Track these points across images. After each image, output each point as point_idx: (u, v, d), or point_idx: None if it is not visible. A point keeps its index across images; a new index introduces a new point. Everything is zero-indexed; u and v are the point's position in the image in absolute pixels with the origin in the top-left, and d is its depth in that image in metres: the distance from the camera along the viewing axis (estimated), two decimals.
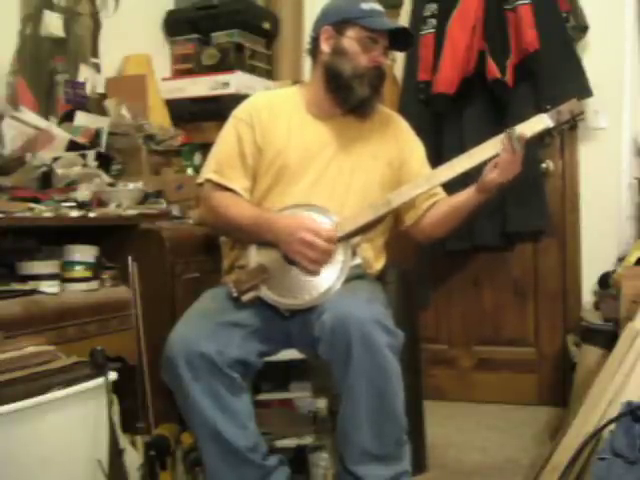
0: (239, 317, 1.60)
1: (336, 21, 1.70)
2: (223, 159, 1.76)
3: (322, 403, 1.73)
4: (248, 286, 1.58)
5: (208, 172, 1.77)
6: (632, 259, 2.31)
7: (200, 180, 1.81)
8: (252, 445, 1.53)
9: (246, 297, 1.59)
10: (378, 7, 1.71)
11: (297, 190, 1.69)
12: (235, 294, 1.58)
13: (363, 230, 1.65)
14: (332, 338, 1.47)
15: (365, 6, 1.68)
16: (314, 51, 1.77)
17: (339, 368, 1.48)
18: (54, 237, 1.96)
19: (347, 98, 1.71)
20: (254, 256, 1.63)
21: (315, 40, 1.75)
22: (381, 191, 1.74)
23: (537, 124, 1.56)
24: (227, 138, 1.77)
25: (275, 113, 1.75)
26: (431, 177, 1.67)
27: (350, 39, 1.68)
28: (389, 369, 1.48)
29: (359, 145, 1.76)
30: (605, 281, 2.55)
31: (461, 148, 2.74)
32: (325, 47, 1.72)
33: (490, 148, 1.61)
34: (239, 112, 1.79)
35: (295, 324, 1.64)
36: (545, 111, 1.56)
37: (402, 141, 1.83)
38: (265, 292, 1.59)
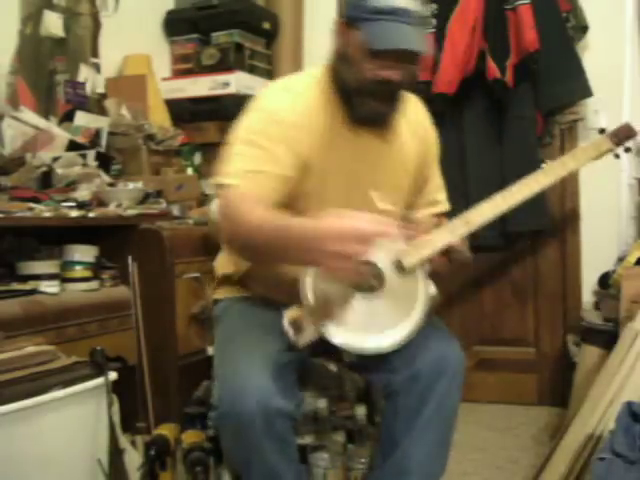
0: (291, 353, 1.37)
1: (347, 16, 1.37)
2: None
3: (322, 403, 1.73)
4: (311, 330, 1.27)
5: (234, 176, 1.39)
6: (632, 259, 2.31)
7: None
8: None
9: (304, 341, 1.28)
10: (397, 5, 1.30)
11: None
12: (293, 341, 1.27)
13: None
14: (422, 372, 1.40)
15: (378, 1, 1.30)
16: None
17: (411, 400, 1.42)
18: (54, 237, 1.96)
19: (351, 114, 1.44)
20: (311, 287, 1.26)
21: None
22: (409, 202, 1.58)
23: (601, 145, 1.51)
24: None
25: (312, 118, 1.45)
26: (507, 196, 1.45)
27: (355, 44, 1.35)
28: (455, 415, 1.46)
29: (388, 159, 1.52)
30: (605, 281, 2.55)
31: (461, 148, 2.76)
32: (335, 44, 1.42)
33: (584, 157, 1.51)
34: (273, 107, 1.44)
35: None
36: (600, 132, 1.56)
37: (426, 144, 1.60)
38: (334, 334, 1.28)
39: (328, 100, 1.45)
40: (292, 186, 1.41)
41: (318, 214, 1.22)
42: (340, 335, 1.28)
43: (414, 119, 1.57)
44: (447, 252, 1.38)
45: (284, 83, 1.53)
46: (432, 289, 1.39)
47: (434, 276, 1.39)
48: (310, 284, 1.26)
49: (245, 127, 1.42)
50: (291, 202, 1.41)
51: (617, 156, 1.57)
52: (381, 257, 1.31)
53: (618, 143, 1.53)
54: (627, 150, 1.57)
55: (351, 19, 1.36)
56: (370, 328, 1.31)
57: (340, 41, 1.40)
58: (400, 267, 1.32)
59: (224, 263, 1.62)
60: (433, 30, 2.68)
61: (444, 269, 1.39)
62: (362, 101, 1.39)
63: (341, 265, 1.15)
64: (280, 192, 1.38)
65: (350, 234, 1.14)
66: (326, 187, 1.44)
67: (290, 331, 1.26)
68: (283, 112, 1.41)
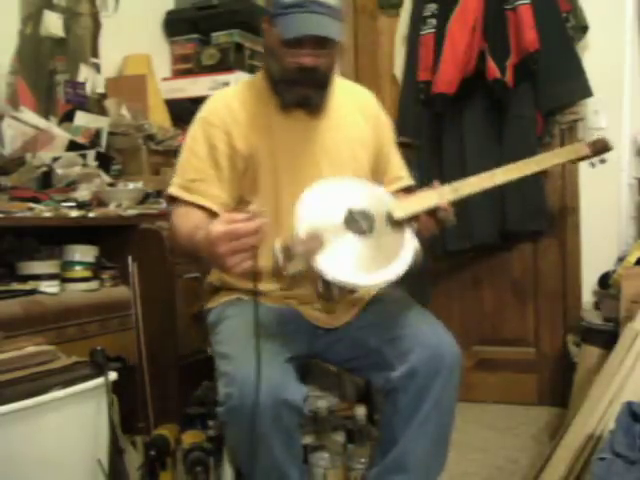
0: (292, 347, 1.44)
1: (268, 14, 1.51)
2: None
3: (323, 403, 1.73)
4: (300, 260, 1.27)
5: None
6: (632, 259, 2.31)
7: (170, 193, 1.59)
8: None
9: (293, 270, 1.28)
10: None
11: (284, 197, 1.54)
12: (281, 267, 1.27)
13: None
14: (418, 368, 1.42)
15: None
16: None
17: (409, 397, 1.44)
18: (54, 237, 1.96)
19: (282, 102, 1.56)
20: (305, 222, 1.31)
21: None
22: (375, 181, 1.63)
23: (580, 151, 1.60)
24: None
25: (249, 112, 1.58)
26: (494, 176, 1.54)
27: (274, 38, 1.49)
28: (453, 412, 1.48)
29: (333, 134, 1.61)
30: (605, 281, 2.55)
31: (461, 148, 2.76)
32: (264, 40, 1.56)
33: (562, 156, 1.60)
34: (208, 114, 1.59)
35: (338, 341, 1.58)
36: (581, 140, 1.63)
37: (379, 126, 1.70)
38: (321, 266, 1.27)
39: (261, 94, 1.59)
40: (245, 178, 1.56)
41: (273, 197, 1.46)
42: (327, 268, 1.28)
43: (365, 105, 1.70)
44: (434, 214, 1.45)
45: (221, 91, 1.72)
46: (417, 245, 1.43)
47: (420, 235, 1.45)
48: (302, 216, 1.31)
49: (187, 137, 1.60)
50: (250, 190, 1.56)
51: (592, 165, 1.63)
52: (374, 206, 1.40)
53: (595, 153, 1.62)
54: (602, 161, 1.64)
55: (270, 16, 1.50)
56: (357, 267, 1.32)
57: (265, 38, 1.55)
58: (390, 218, 1.40)
59: (214, 273, 1.68)
60: (433, 30, 2.68)
61: (430, 229, 1.47)
62: (288, 89, 1.52)
63: (238, 260, 1.20)
64: (227, 191, 1.55)
65: (229, 233, 1.19)
66: (277, 169, 1.55)
67: (280, 257, 1.26)
68: (214, 117, 1.57)
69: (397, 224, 1.40)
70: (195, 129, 1.59)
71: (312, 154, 1.58)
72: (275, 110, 1.57)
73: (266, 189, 1.55)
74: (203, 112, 1.61)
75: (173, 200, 1.58)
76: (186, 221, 1.51)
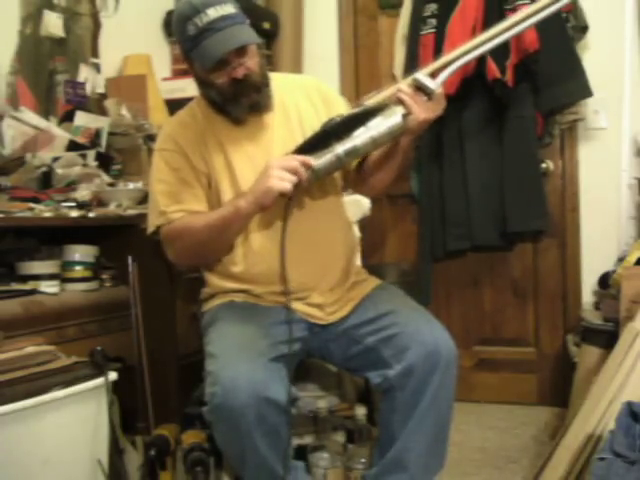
0: (281, 347, 1.46)
1: (182, 51, 1.55)
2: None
3: (322, 403, 1.73)
4: None
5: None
6: (632, 259, 2.30)
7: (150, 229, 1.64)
8: None
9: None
10: (206, 20, 1.44)
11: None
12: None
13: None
14: (415, 365, 1.44)
15: (191, 30, 1.45)
16: None
17: (407, 394, 1.46)
18: (54, 237, 1.96)
19: (232, 118, 1.60)
20: None
21: None
22: None
23: None
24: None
25: (198, 134, 1.63)
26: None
27: (198, 70, 1.55)
28: (451, 407, 1.50)
29: (287, 127, 1.64)
30: (605, 281, 2.55)
31: (461, 148, 2.76)
32: (192, 73, 1.60)
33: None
34: (163, 144, 1.64)
35: (334, 339, 1.60)
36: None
37: (328, 100, 1.71)
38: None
39: (206, 116, 1.63)
40: (211, 193, 1.60)
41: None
42: None
43: (308, 90, 1.70)
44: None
45: (168, 121, 1.75)
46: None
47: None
48: None
49: (151, 174, 1.64)
50: (216, 204, 1.59)
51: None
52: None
53: None
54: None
55: (185, 53, 1.53)
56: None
57: (192, 69, 1.58)
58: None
59: (210, 283, 1.70)
60: (433, 30, 2.68)
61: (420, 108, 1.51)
62: (235, 104, 1.55)
63: (282, 175, 1.40)
64: (204, 204, 1.60)
65: (284, 156, 1.45)
66: (236, 181, 1.58)
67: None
68: (169, 144, 1.61)
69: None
70: (156, 162, 1.63)
71: (266, 152, 1.60)
72: (222, 126, 1.61)
73: (228, 194, 1.58)
74: (158, 144, 1.66)
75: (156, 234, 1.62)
76: (196, 216, 1.56)
